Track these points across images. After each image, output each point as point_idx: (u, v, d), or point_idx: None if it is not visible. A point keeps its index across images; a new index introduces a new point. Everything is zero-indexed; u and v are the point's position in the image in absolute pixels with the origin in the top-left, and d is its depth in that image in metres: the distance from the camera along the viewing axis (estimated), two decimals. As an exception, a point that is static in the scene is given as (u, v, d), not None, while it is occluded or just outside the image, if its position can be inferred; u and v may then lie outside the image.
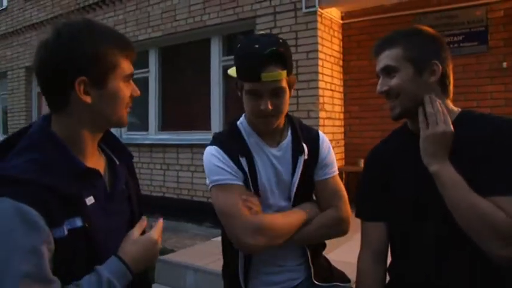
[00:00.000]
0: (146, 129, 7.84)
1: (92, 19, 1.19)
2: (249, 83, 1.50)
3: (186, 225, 6.14)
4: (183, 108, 7.65)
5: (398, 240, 1.47)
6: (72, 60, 1.09)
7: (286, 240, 1.57)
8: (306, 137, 1.70)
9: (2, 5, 11.18)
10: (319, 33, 5.83)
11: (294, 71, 6.15)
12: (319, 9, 5.82)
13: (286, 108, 1.60)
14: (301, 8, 5.91)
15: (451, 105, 1.44)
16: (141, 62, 7.97)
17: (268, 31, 6.08)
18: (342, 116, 6.48)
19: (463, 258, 1.30)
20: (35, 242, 0.97)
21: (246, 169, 1.59)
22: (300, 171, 1.63)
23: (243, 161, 1.59)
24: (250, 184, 1.60)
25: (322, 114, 5.85)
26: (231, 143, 1.64)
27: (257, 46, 1.47)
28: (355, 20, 6.37)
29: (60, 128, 1.16)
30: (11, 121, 10.64)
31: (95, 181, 1.20)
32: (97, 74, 1.11)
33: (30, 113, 10.28)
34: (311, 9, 5.83)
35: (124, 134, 8.05)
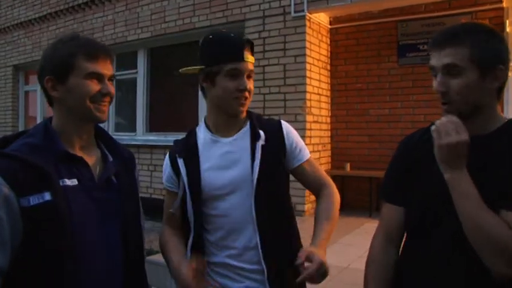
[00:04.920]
0: (134, 130, 7.84)
1: (78, 32, 1.39)
2: (231, 63, 1.60)
3: (172, 226, 6.15)
4: (171, 109, 7.67)
5: (413, 231, 1.45)
6: (43, 65, 1.40)
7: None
8: (265, 125, 1.72)
9: (-11, 3, 11.10)
10: (308, 37, 5.89)
11: (282, 75, 6.20)
12: (308, 14, 5.88)
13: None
14: (290, 12, 5.97)
15: (499, 111, 1.38)
16: (129, 63, 7.97)
17: (257, 35, 6.13)
18: (328, 120, 6.54)
19: (460, 267, 1.29)
20: None
21: (183, 169, 1.67)
22: (259, 157, 1.63)
23: (180, 161, 1.69)
24: (186, 184, 1.66)
25: (309, 118, 5.90)
26: (177, 145, 1.76)
27: (233, 35, 1.66)
28: (343, 25, 6.44)
29: (54, 122, 1.43)
30: (-3, 120, 10.55)
31: (80, 167, 1.39)
32: (59, 72, 1.36)
33: (16, 112, 10.18)
34: (300, 14, 5.89)
35: (111, 135, 7.93)
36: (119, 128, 8.21)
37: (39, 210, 1.23)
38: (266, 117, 1.84)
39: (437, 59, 1.34)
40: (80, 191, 1.35)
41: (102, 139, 1.56)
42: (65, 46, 1.39)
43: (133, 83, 7.81)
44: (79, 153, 1.41)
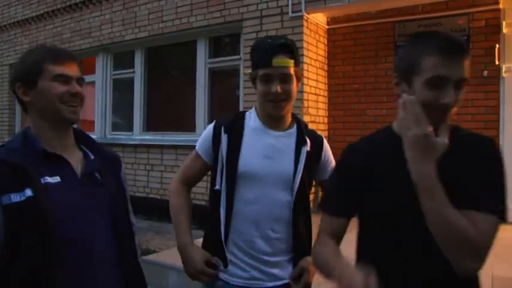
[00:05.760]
0: (131, 129, 7.81)
1: (45, 44, 1.51)
2: (262, 69, 1.72)
3: (169, 226, 6.13)
4: (168, 109, 7.65)
5: (371, 243, 1.45)
6: (14, 75, 1.50)
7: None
8: (310, 134, 1.88)
9: (-14, 1, 11.05)
10: (305, 37, 5.88)
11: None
12: (305, 14, 5.87)
13: (294, 95, 1.78)
14: (287, 13, 5.96)
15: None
16: (126, 62, 7.96)
17: (254, 35, 6.13)
18: (326, 120, 6.54)
19: (431, 271, 1.29)
20: None
21: (225, 145, 1.77)
22: (304, 160, 1.78)
23: (224, 137, 1.78)
24: (224, 161, 1.76)
25: (306, 118, 5.89)
26: (225, 120, 1.85)
27: (270, 40, 1.78)
28: (340, 25, 6.44)
29: (31, 128, 1.50)
30: (-7, 119, 10.50)
31: (61, 165, 1.44)
32: (28, 78, 1.45)
33: (13, 110, 10.13)
34: (297, 14, 5.88)
35: (108, 134, 8.01)
36: (115, 127, 8.17)
37: (21, 208, 1.28)
38: None
39: (453, 70, 1.26)
40: (64, 188, 1.40)
41: (84, 142, 1.62)
42: (33, 54, 1.50)
43: (130, 82, 7.79)
44: (59, 153, 1.46)
